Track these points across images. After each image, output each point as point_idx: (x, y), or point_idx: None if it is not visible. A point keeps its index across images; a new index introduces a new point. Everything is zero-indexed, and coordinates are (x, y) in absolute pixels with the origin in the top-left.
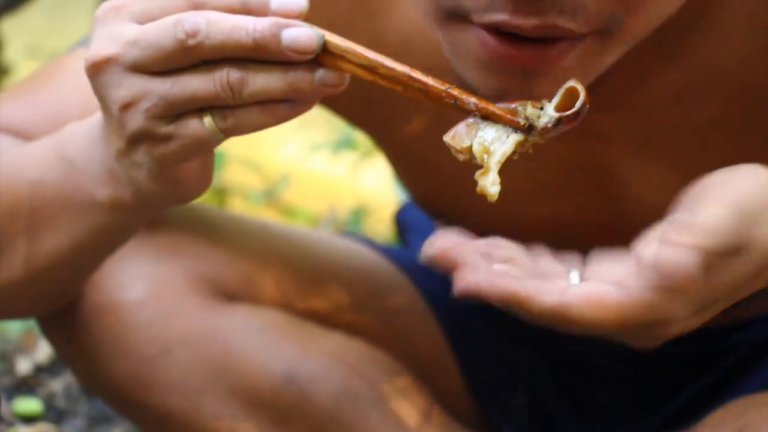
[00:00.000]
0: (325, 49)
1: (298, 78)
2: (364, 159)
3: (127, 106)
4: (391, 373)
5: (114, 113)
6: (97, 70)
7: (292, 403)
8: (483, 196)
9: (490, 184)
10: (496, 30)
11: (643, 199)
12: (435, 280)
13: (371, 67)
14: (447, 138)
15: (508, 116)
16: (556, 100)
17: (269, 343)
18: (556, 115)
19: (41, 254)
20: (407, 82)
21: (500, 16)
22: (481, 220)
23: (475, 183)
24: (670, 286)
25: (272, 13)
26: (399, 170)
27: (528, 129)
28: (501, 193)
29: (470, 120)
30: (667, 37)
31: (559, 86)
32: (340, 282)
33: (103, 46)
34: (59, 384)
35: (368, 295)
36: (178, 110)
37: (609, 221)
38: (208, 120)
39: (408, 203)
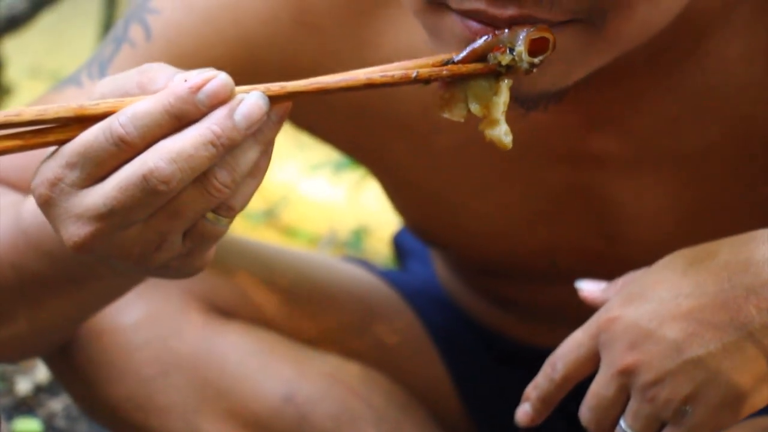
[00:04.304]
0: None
1: (266, 134)
2: (364, 179)
3: (143, 258)
4: (388, 394)
5: (131, 262)
6: (86, 250)
7: (291, 424)
8: (473, 223)
9: (503, 134)
10: (473, 18)
11: (638, 224)
12: (433, 305)
13: (318, 91)
14: (444, 115)
15: (485, 67)
16: (522, 45)
17: (266, 364)
18: (534, 60)
19: (43, 316)
20: (367, 85)
21: (477, 5)
22: (474, 246)
23: (467, 210)
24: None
25: (205, 107)
26: (392, 198)
27: (507, 70)
28: (494, 220)
29: (448, 85)
30: (663, 63)
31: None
32: (338, 305)
33: (77, 229)
34: (59, 404)
35: (366, 319)
36: (186, 228)
37: (603, 247)
38: (212, 217)
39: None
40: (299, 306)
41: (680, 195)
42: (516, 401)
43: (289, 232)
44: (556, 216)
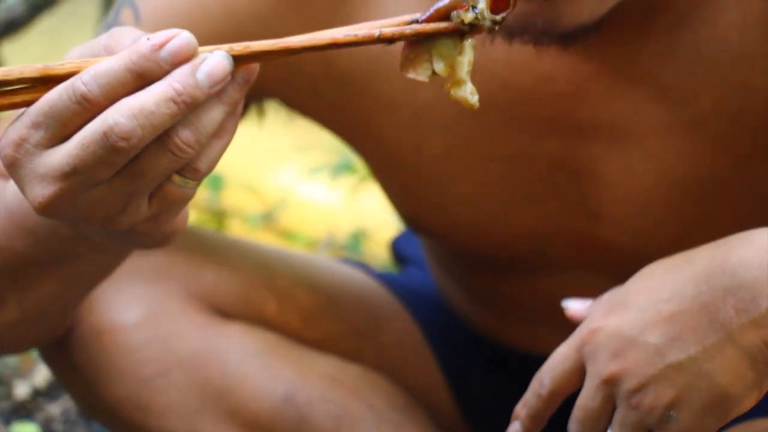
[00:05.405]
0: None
1: (231, 94)
2: (362, 182)
3: (109, 220)
4: (389, 396)
5: (98, 224)
6: (51, 210)
7: (291, 425)
8: (461, 206)
9: (469, 94)
10: None
11: (626, 204)
12: (429, 307)
13: (282, 51)
14: (409, 75)
15: (448, 26)
16: (484, 3)
17: (267, 365)
18: (496, 17)
19: (32, 300)
20: (331, 44)
21: None
22: (463, 233)
23: (454, 191)
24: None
25: (167, 65)
26: (381, 182)
27: (470, 28)
28: (481, 201)
29: (413, 44)
30: (655, 29)
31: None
32: (336, 307)
33: (41, 190)
34: (57, 408)
35: (363, 322)
36: (151, 190)
37: (591, 229)
38: (179, 179)
39: (404, 232)
40: (298, 307)
41: (669, 171)
42: (508, 403)
43: (288, 235)
44: (543, 196)
